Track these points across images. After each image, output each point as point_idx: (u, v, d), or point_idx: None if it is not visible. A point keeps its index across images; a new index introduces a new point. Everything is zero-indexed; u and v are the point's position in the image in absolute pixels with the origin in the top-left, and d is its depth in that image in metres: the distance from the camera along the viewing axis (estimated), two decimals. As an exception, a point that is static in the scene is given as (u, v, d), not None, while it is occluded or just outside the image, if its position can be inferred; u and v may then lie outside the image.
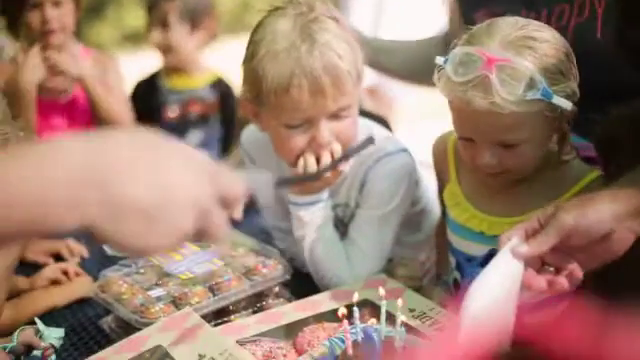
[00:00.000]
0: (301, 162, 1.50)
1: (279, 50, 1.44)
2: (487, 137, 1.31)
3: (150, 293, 1.43)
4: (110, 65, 2.81)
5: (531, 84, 1.23)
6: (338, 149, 1.50)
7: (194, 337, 1.23)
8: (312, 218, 1.57)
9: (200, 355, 1.18)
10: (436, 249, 1.70)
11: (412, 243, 1.77)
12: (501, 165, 1.33)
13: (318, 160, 1.50)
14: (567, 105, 1.27)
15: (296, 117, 1.47)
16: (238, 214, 2.08)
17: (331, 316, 1.44)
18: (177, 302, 1.42)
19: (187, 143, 2.63)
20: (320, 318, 1.44)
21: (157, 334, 1.27)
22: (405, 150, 1.62)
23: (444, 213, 1.62)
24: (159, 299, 1.42)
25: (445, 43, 2.10)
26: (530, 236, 1.13)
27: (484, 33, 1.30)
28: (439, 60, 1.33)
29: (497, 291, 1.08)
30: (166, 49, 2.98)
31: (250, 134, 1.76)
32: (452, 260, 1.53)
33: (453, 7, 2.01)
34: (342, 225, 1.65)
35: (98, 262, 1.84)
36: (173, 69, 3.04)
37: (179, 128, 2.94)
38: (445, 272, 1.61)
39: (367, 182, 1.60)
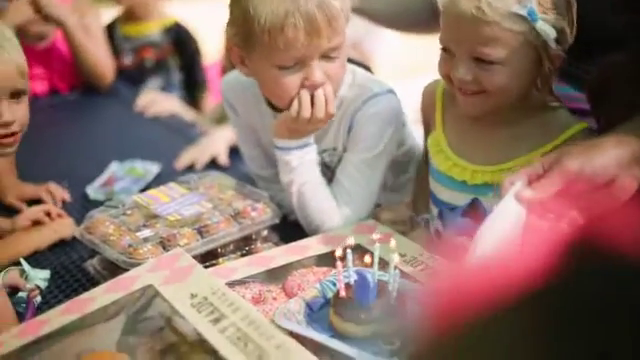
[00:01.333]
0: (295, 103, 1.48)
1: None
2: (465, 47, 1.30)
3: (138, 234, 1.41)
4: (89, 12, 2.75)
5: (520, 0, 1.24)
6: (330, 90, 1.48)
7: (185, 277, 1.22)
8: (300, 162, 1.55)
9: (192, 294, 1.17)
10: (414, 188, 1.69)
11: (397, 185, 1.75)
12: (475, 82, 1.32)
13: (312, 100, 1.48)
14: (551, 33, 1.27)
15: (290, 57, 1.44)
16: (225, 160, 2.06)
17: (320, 260, 1.44)
18: (165, 243, 1.39)
19: (146, 90, 2.64)
20: (309, 262, 1.43)
21: (147, 274, 1.25)
22: (391, 91, 1.60)
23: (426, 161, 1.62)
24: (147, 240, 1.39)
25: None
26: (533, 181, 1.12)
27: None
28: None
29: (503, 235, 1.08)
30: None
31: (230, 81, 1.74)
32: (434, 209, 1.52)
33: None
34: (329, 171, 1.63)
35: (80, 205, 1.83)
36: (129, 16, 2.99)
37: (135, 75, 2.90)
38: (420, 212, 1.61)
39: (354, 124, 1.58)
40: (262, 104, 1.64)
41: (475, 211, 1.42)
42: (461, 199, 1.45)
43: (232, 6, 1.49)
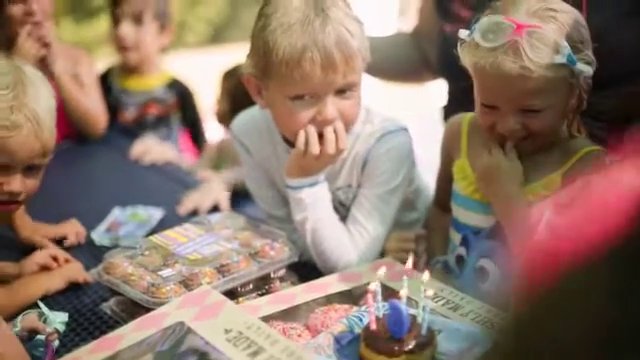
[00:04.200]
0: (302, 136, 1.51)
1: (292, 23, 1.45)
2: (513, 103, 1.35)
3: (160, 273, 1.40)
4: (83, 60, 2.73)
5: (557, 49, 1.30)
6: (341, 127, 1.51)
7: (217, 313, 1.21)
8: (313, 200, 1.57)
9: (226, 330, 1.16)
10: (428, 231, 1.71)
11: (406, 223, 1.77)
12: (525, 130, 1.38)
13: (321, 136, 1.51)
14: (588, 71, 1.33)
15: (305, 89, 1.47)
16: (226, 205, 2.06)
17: (341, 298, 1.44)
18: (187, 282, 1.39)
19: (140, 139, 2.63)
20: (330, 300, 1.43)
21: (176, 311, 1.24)
22: (405, 129, 1.64)
23: (439, 202, 1.64)
24: (168, 279, 1.39)
25: (415, 37, 2.14)
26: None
27: (509, 4, 1.35)
28: (462, 33, 1.38)
29: None
30: (133, 47, 2.89)
31: (240, 123, 1.76)
32: (456, 237, 1.54)
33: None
34: (344, 209, 1.65)
35: (86, 251, 1.81)
36: (130, 69, 2.96)
37: (135, 130, 2.87)
38: (438, 254, 1.63)
39: (369, 161, 1.61)
40: (276, 139, 1.66)
41: (499, 233, 1.44)
42: (486, 221, 1.48)
43: (253, 38, 1.53)
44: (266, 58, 1.48)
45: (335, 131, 1.51)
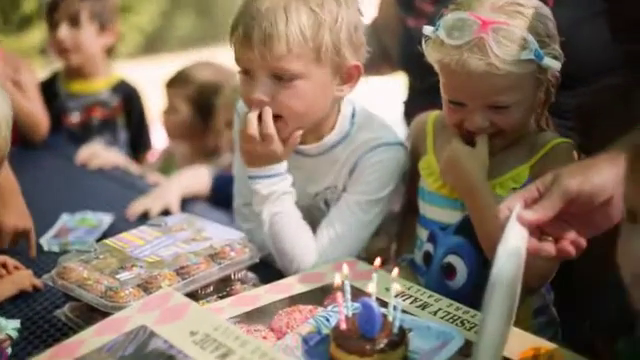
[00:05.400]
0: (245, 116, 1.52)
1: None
2: (480, 100, 1.34)
3: (117, 277, 1.35)
4: (21, 66, 2.69)
5: (524, 45, 1.29)
6: (268, 112, 1.48)
7: (181, 315, 1.16)
8: (270, 191, 1.53)
9: (192, 332, 1.11)
10: (397, 232, 1.69)
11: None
12: (493, 127, 1.37)
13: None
14: (556, 65, 1.33)
15: (238, 64, 1.51)
16: (177, 210, 2.01)
17: (305, 298, 1.41)
18: (146, 286, 1.33)
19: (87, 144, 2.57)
20: (294, 300, 1.40)
21: (138, 314, 1.19)
22: (402, 144, 1.61)
23: (409, 203, 1.62)
24: (126, 283, 1.33)
25: (374, 30, 2.12)
26: (530, 205, 1.12)
27: (473, 0, 1.33)
28: (427, 30, 1.36)
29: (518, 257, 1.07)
30: (73, 49, 2.83)
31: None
32: (424, 233, 1.53)
33: None
34: (327, 207, 1.63)
35: (35, 258, 1.74)
36: (73, 72, 2.90)
37: (80, 134, 2.82)
38: (401, 253, 1.62)
39: (357, 166, 1.58)
40: None
41: (466, 228, 1.43)
42: (453, 217, 1.47)
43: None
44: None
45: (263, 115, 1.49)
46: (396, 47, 1.98)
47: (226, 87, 2.52)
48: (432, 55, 1.36)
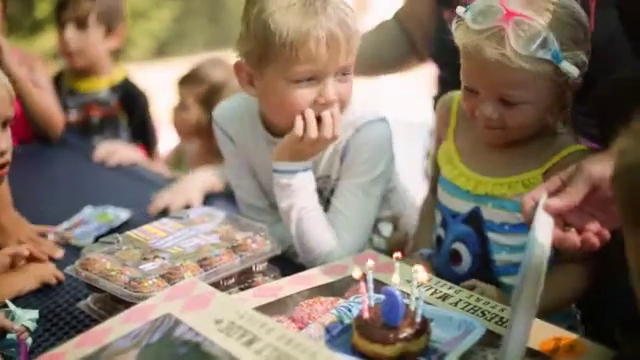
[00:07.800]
0: (299, 120, 1.49)
1: (292, 4, 1.45)
2: (492, 90, 1.34)
3: (141, 267, 1.36)
4: (37, 65, 2.70)
5: (544, 44, 1.27)
6: (338, 111, 1.50)
7: (206, 304, 1.17)
8: (301, 186, 1.54)
9: (217, 320, 1.12)
10: (417, 224, 1.70)
11: (380, 218, 1.74)
12: (500, 121, 1.36)
13: (318, 120, 1.49)
14: (575, 72, 1.30)
15: (309, 70, 1.46)
16: (198, 205, 2.02)
17: (326, 290, 1.41)
18: (169, 277, 1.35)
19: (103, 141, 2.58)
20: (316, 292, 1.40)
21: (163, 303, 1.20)
22: (384, 119, 1.62)
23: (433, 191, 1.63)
24: (150, 274, 1.35)
25: (401, 21, 2.12)
26: (553, 195, 1.13)
27: None
28: (460, 10, 1.36)
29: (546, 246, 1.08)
30: (77, 51, 2.83)
31: (223, 111, 1.73)
32: (438, 217, 1.55)
33: None
34: (322, 198, 1.62)
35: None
36: (77, 71, 2.91)
37: (80, 132, 2.83)
38: (418, 247, 1.62)
39: (349, 151, 1.59)
40: (258, 128, 1.63)
41: (474, 219, 1.46)
42: (464, 207, 1.48)
43: (248, 22, 1.50)
44: (266, 42, 1.46)
45: (333, 115, 1.50)
46: (428, 39, 1.97)
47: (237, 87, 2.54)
48: (458, 38, 1.36)
